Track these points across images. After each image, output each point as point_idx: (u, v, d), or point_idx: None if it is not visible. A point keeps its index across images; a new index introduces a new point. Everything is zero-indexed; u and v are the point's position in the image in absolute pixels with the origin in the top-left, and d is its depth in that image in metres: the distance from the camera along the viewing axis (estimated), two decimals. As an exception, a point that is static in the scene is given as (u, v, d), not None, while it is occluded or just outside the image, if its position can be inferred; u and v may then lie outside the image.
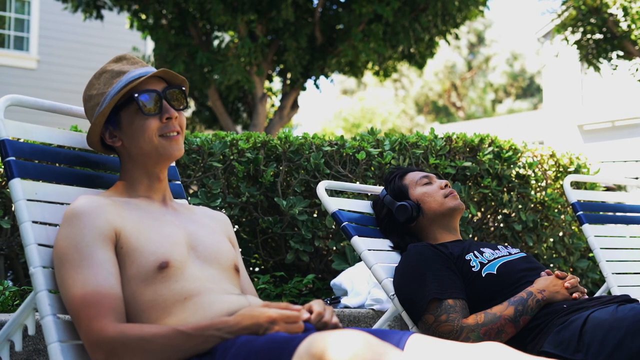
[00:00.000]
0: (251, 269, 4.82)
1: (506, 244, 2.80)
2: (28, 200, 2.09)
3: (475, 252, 2.67)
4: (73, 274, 1.85)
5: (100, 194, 2.10)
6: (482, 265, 2.59)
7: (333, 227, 4.40)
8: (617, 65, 13.09)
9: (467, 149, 4.65)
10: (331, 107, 36.36)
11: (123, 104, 2.08)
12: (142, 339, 1.77)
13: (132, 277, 1.91)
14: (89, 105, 2.14)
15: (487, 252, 2.68)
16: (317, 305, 1.87)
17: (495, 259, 2.64)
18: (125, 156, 2.13)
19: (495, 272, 2.57)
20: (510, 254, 2.71)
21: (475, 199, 4.68)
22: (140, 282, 1.91)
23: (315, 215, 4.51)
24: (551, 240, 4.98)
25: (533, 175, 4.88)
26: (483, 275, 2.56)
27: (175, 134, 2.11)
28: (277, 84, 16.12)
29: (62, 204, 2.18)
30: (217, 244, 2.14)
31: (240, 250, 4.49)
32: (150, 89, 2.08)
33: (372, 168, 4.46)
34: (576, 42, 13.19)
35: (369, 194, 4.28)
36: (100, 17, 13.34)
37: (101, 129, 2.12)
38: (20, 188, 2.10)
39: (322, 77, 13.60)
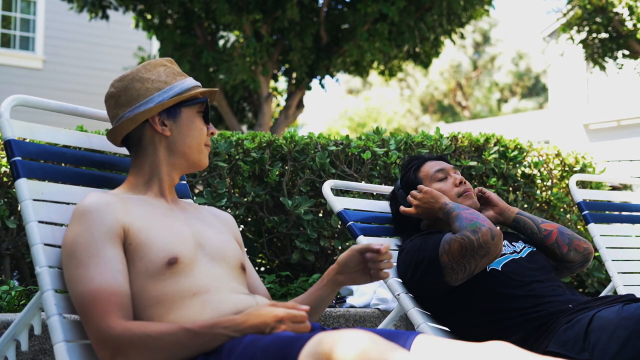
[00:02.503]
0: (257, 268, 4.83)
1: (512, 242, 2.77)
2: (34, 200, 2.10)
3: None
4: (81, 271, 1.86)
5: (111, 192, 2.11)
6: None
7: (339, 226, 4.40)
8: (622, 65, 13.07)
9: (473, 149, 4.64)
10: (336, 107, 36.29)
11: (187, 101, 2.16)
12: (149, 337, 1.77)
13: (140, 272, 1.91)
14: (140, 85, 2.13)
15: None
16: None
17: (501, 256, 2.63)
18: (161, 149, 2.14)
19: (500, 269, 2.56)
20: (515, 252, 2.69)
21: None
22: (149, 277, 1.91)
23: (320, 214, 4.51)
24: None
25: (539, 174, 4.87)
26: (487, 270, 2.56)
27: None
28: (282, 83, 16.14)
29: (68, 203, 2.19)
30: (223, 243, 2.15)
31: (245, 249, 4.51)
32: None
33: (378, 167, 4.46)
34: (582, 41, 13.18)
35: (375, 193, 4.28)
36: (105, 17, 13.36)
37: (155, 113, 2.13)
38: (27, 188, 2.11)
39: (327, 77, 13.60)
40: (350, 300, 3.94)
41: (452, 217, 2.58)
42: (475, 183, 4.63)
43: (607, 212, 3.97)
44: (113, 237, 1.91)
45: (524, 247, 2.74)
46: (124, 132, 2.14)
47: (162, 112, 2.12)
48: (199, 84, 2.22)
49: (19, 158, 2.15)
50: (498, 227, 2.51)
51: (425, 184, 2.85)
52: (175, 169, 2.17)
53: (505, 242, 2.75)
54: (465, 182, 2.84)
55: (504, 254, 2.65)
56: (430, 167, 2.89)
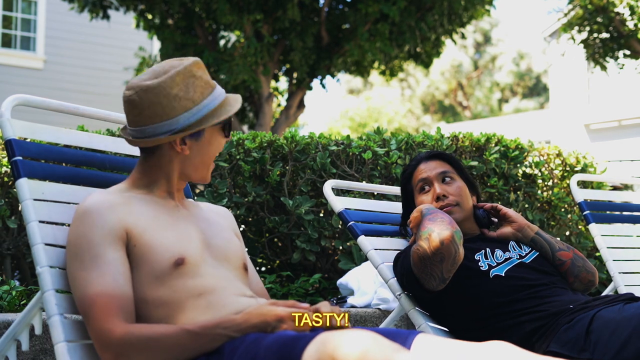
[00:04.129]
0: (257, 268, 4.83)
1: (519, 243, 2.75)
2: (35, 200, 2.10)
3: (487, 251, 2.64)
4: (83, 273, 1.85)
5: (115, 188, 2.08)
6: (491, 267, 2.58)
7: (339, 226, 4.40)
8: (623, 65, 13.06)
9: (474, 149, 4.64)
10: (337, 107, 36.30)
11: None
12: (150, 339, 1.77)
13: (146, 274, 1.91)
14: (166, 102, 2.00)
15: (498, 253, 2.65)
16: (324, 307, 1.87)
17: (505, 260, 2.62)
18: (175, 163, 2.08)
19: (503, 275, 2.55)
20: (521, 255, 2.67)
21: (482, 199, 4.67)
22: (155, 278, 1.91)
23: (321, 214, 4.51)
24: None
25: (539, 174, 4.87)
26: (491, 276, 2.55)
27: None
28: (283, 83, 16.13)
29: (69, 203, 2.19)
30: (228, 243, 2.14)
31: (246, 249, 4.51)
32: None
33: (379, 167, 4.46)
34: (583, 41, 13.17)
35: (376, 193, 4.28)
36: (106, 17, 13.36)
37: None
38: (27, 188, 2.11)
39: (328, 77, 13.59)
40: (351, 300, 3.94)
41: None
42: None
43: (608, 212, 3.96)
44: (115, 239, 1.90)
45: (531, 251, 2.73)
46: (145, 144, 2.06)
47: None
48: (224, 95, 2.14)
49: (20, 158, 2.15)
50: (453, 229, 2.47)
51: (415, 193, 2.85)
52: (184, 179, 2.13)
53: (513, 244, 2.74)
54: (445, 196, 2.73)
55: (509, 259, 2.63)
56: (417, 175, 2.84)
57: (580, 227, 5.07)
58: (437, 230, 2.43)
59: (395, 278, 2.75)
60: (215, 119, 2.05)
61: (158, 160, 2.08)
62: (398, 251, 2.86)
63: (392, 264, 2.82)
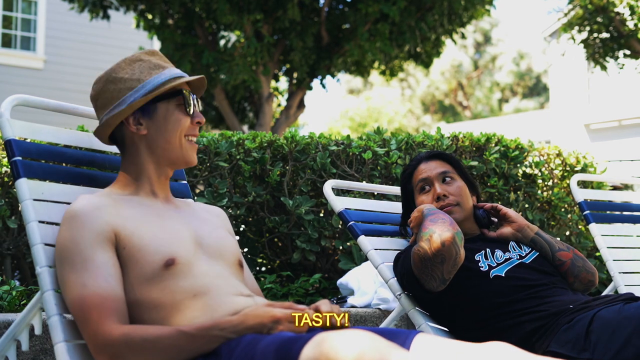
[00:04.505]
0: (257, 268, 4.82)
1: (519, 244, 2.75)
2: (34, 200, 2.10)
3: (487, 251, 2.64)
4: (73, 277, 1.85)
5: (102, 192, 2.09)
6: (491, 267, 2.58)
7: (339, 226, 4.40)
8: (623, 64, 13.06)
9: (474, 148, 4.64)
10: (337, 107, 36.32)
11: (163, 96, 2.09)
12: (146, 340, 1.76)
13: (138, 276, 1.90)
14: (113, 87, 2.08)
15: (498, 253, 2.65)
16: (324, 305, 1.86)
17: (505, 261, 2.62)
18: (142, 147, 2.10)
19: (503, 275, 2.55)
20: (521, 256, 2.67)
21: (482, 199, 4.67)
22: (147, 280, 1.90)
23: (321, 214, 4.51)
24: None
25: (540, 174, 4.87)
26: (491, 276, 2.55)
27: (195, 140, 2.17)
28: (283, 83, 16.15)
29: (68, 203, 2.18)
30: (221, 240, 2.14)
31: (246, 249, 4.51)
32: (190, 91, 2.15)
33: (379, 167, 4.46)
34: (583, 41, 13.17)
35: (376, 193, 4.28)
36: (106, 17, 13.37)
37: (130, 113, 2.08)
38: (27, 188, 2.11)
39: (328, 77, 13.60)
40: (351, 300, 3.94)
41: None
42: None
43: (608, 212, 3.96)
44: (104, 241, 1.89)
45: (531, 251, 2.73)
46: (104, 134, 2.13)
47: (136, 112, 2.08)
48: (179, 74, 2.15)
49: (20, 158, 2.15)
50: (454, 231, 2.48)
51: (415, 194, 2.85)
52: (161, 166, 2.13)
53: (513, 244, 2.74)
54: (445, 196, 2.74)
55: (509, 259, 2.63)
56: (417, 175, 2.84)
57: (580, 227, 5.07)
58: (439, 231, 2.43)
59: (395, 278, 2.75)
60: (157, 92, 2.06)
61: (128, 151, 2.12)
62: (398, 251, 2.86)
63: (392, 264, 2.82)
